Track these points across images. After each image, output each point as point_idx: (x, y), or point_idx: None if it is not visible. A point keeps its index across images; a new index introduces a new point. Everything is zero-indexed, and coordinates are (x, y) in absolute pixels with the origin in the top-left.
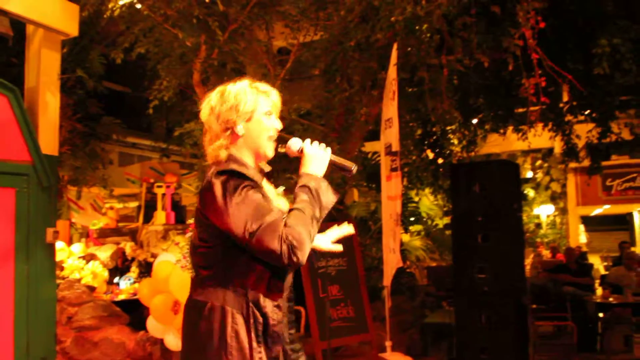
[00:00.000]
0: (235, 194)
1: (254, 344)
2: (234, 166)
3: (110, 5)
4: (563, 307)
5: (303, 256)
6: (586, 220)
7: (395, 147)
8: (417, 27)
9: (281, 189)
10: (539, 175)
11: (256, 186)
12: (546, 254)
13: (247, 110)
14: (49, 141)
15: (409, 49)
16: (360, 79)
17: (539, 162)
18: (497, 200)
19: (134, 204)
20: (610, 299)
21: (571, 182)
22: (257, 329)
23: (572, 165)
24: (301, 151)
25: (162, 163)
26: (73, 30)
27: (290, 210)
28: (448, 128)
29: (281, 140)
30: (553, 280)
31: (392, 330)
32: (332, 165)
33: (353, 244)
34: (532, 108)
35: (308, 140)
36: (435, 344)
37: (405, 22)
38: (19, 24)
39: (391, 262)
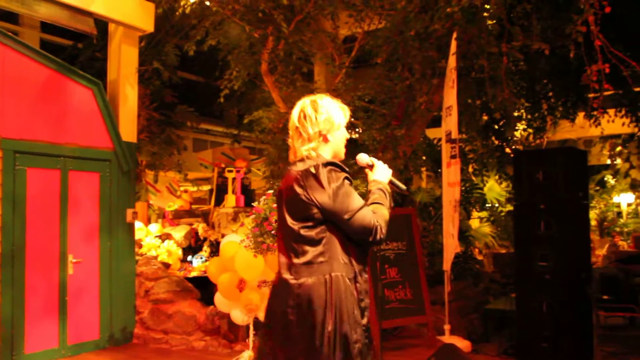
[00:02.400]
0: (339, 182)
1: (359, 297)
2: (333, 161)
3: (182, 3)
4: (634, 298)
5: (384, 235)
6: None
7: (455, 134)
8: (475, 16)
9: None
10: (619, 162)
11: (350, 179)
12: (622, 244)
13: (337, 122)
14: (129, 129)
15: (469, 38)
16: (421, 68)
17: (618, 149)
18: (561, 189)
19: (206, 188)
20: None
21: None
22: (359, 289)
23: None
24: (371, 165)
25: (233, 149)
26: (149, 26)
27: (372, 203)
28: (516, 114)
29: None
30: (624, 270)
31: (452, 314)
32: (390, 182)
33: (412, 228)
34: (604, 93)
35: (373, 158)
36: (496, 330)
37: (463, 12)
38: (102, 22)
39: (450, 247)
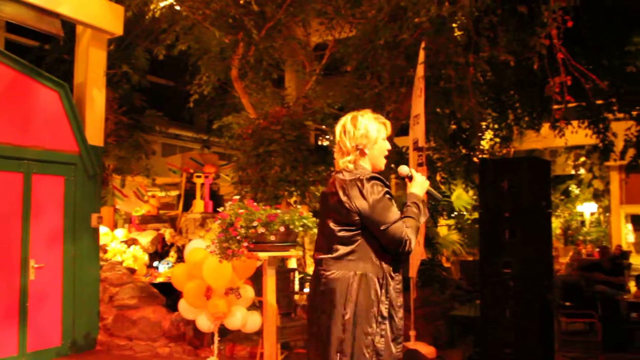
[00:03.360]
0: (379, 195)
1: (383, 298)
2: (377, 176)
3: (152, 7)
4: (594, 305)
5: (412, 247)
6: (635, 220)
7: (422, 142)
8: (443, 27)
9: None
10: (582, 172)
11: (390, 194)
12: (585, 252)
13: (374, 137)
14: (96, 133)
15: (437, 48)
16: (389, 77)
17: (582, 159)
18: (525, 197)
19: (174, 193)
20: None
21: (615, 180)
22: (387, 289)
23: (616, 163)
24: (411, 177)
25: (202, 154)
26: (118, 29)
27: (406, 216)
28: (483, 124)
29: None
30: (585, 278)
31: (418, 321)
32: (427, 193)
33: None
34: (568, 105)
35: (413, 170)
36: (461, 336)
37: (431, 22)
38: (69, 24)
39: (416, 254)
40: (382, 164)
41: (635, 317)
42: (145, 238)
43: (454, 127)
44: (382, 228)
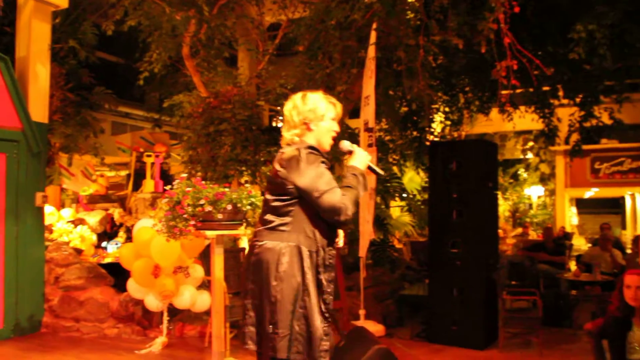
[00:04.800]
0: (314, 164)
1: (314, 271)
2: (314, 146)
3: None
4: (537, 283)
5: (349, 216)
6: (579, 203)
7: (372, 123)
8: (394, 8)
9: None
10: (530, 156)
11: (327, 164)
12: (532, 234)
13: (321, 114)
14: (39, 109)
15: (388, 30)
16: (341, 57)
17: (530, 144)
18: (472, 179)
19: (124, 173)
20: (581, 277)
21: (560, 165)
22: (320, 262)
23: (561, 147)
24: (352, 152)
25: (152, 133)
26: (63, 2)
27: (344, 186)
28: (433, 107)
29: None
30: (530, 258)
31: (368, 300)
32: (368, 167)
33: None
34: (516, 91)
35: (354, 145)
36: (411, 315)
37: (382, 3)
38: None
39: (366, 234)
40: (327, 143)
41: (574, 294)
42: (94, 218)
43: (405, 109)
44: (316, 195)
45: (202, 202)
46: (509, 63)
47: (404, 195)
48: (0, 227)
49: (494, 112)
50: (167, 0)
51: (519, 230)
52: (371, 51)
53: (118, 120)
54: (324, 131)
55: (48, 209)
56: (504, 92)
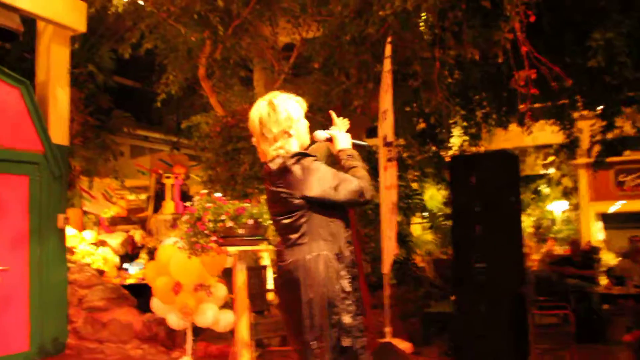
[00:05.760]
0: (311, 167)
1: (343, 272)
2: (298, 151)
3: (114, 2)
4: (566, 298)
5: (372, 192)
6: (604, 218)
7: (390, 137)
8: (409, 22)
9: None
10: (552, 171)
11: (316, 157)
12: (557, 249)
13: (297, 117)
14: (60, 132)
15: (403, 43)
16: (357, 72)
17: (551, 158)
18: (495, 192)
19: (144, 196)
20: (613, 290)
21: (583, 178)
22: (345, 262)
23: (583, 160)
24: (330, 137)
25: (171, 155)
26: (81, 26)
27: (348, 169)
28: (451, 122)
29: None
30: (557, 272)
31: (393, 318)
32: (353, 144)
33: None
34: (534, 105)
35: (332, 129)
36: (437, 333)
37: (396, 16)
38: (30, 20)
39: (388, 250)
40: (308, 139)
41: (606, 309)
42: (115, 240)
43: (423, 125)
44: (332, 194)
45: (223, 217)
46: (527, 72)
47: (425, 212)
48: (24, 249)
49: (513, 127)
50: (182, 21)
51: (546, 245)
52: (387, 64)
53: (137, 144)
54: (303, 132)
55: (70, 232)
56: (521, 105)
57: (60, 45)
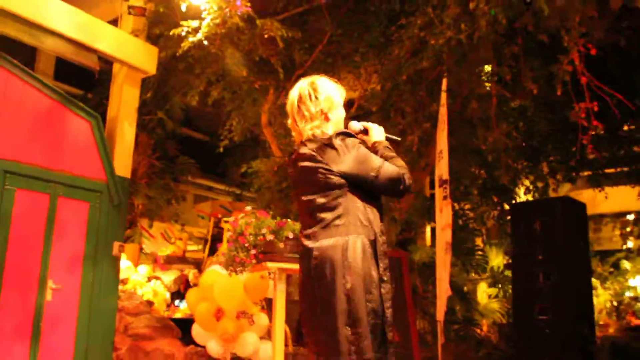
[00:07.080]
0: (355, 147)
1: (379, 259)
2: (342, 130)
3: (183, 45)
4: None
5: (411, 180)
6: None
7: (445, 176)
8: (464, 57)
9: None
10: (631, 242)
11: (362, 143)
12: (636, 321)
13: (338, 102)
14: (123, 164)
15: (459, 79)
16: (413, 112)
17: (629, 228)
18: (560, 237)
19: (199, 247)
20: None
21: None
22: (378, 250)
23: None
24: (366, 130)
25: (232, 203)
26: (152, 68)
27: (387, 159)
28: (514, 165)
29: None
30: (637, 338)
31: None
32: (386, 138)
33: (402, 271)
34: (606, 171)
35: (364, 122)
36: None
37: (450, 49)
38: (108, 70)
39: (441, 292)
40: (342, 129)
41: None
42: (169, 277)
43: (483, 175)
44: (373, 175)
45: (263, 231)
46: (588, 105)
47: (486, 268)
48: (78, 272)
49: (586, 193)
50: (246, 65)
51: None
52: (443, 98)
53: (200, 193)
54: (340, 118)
55: (125, 264)
56: (592, 156)
57: (131, 86)
